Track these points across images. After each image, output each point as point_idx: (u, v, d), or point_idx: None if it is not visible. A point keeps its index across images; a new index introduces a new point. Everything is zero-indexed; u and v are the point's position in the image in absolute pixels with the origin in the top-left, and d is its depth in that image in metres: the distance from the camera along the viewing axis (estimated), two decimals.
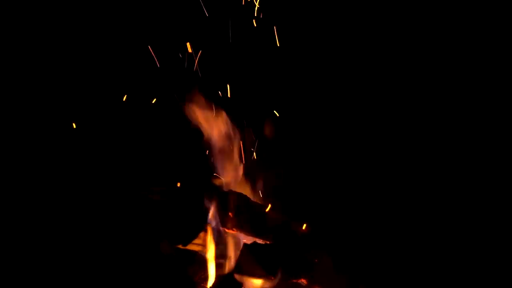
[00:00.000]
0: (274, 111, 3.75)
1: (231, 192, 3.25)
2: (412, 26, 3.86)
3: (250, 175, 3.44)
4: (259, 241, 3.17)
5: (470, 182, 3.69)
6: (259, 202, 3.35)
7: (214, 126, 3.43)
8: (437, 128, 3.81)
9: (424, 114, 3.84)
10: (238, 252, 3.09)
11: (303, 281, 3.07)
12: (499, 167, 3.69)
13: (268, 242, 3.17)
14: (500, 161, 3.69)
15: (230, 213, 3.17)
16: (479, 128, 3.76)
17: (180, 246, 3.13)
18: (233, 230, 3.20)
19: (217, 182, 3.36)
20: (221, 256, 3.21)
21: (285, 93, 3.87)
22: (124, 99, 3.67)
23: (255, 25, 3.78)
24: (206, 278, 3.14)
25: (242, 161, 3.46)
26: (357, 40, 3.90)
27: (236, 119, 3.48)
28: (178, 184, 3.25)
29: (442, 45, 3.84)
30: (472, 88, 3.80)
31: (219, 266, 3.19)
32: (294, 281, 3.07)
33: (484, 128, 3.75)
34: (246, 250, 3.06)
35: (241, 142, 3.48)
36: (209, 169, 3.39)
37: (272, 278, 3.04)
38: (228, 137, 3.43)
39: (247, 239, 3.18)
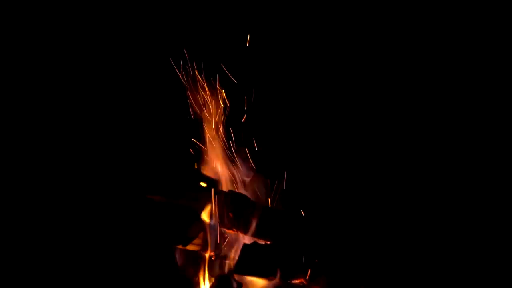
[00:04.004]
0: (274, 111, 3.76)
1: (231, 192, 3.25)
2: (412, 26, 3.86)
3: (250, 175, 3.44)
4: (259, 241, 3.16)
5: (470, 182, 3.68)
6: (260, 202, 3.35)
7: (215, 127, 3.43)
8: (437, 128, 3.81)
9: (424, 114, 3.84)
10: (238, 252, 3.09)
11: (303, 281, 3.07)
12: (499, 167, 3.68)
13: (268, 242, 3.17)
14: (500, 161, 3.69)
15: (230, 213, 3.17)
16: (479, 128, 3.76)
17: (180, 246, 3.13)
18: (233, 230, 3.20)
19: (217, 182, 3.36)
20: (221, 256, 3.21)
21: (285, 93, 3.88)
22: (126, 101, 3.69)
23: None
24: (206, 278, 3.14)
25: (242, 161, 3.46)
26: (356, 40, 3.90)
27: (236, 120, 3.49)
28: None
29: (442, 45, 3.84)
30: (472, 88, 3.80)
31: (219, 266, 3.19)
32: (294, 281, 3.07)
33: (484, 128, 3.75)
34: (246, 250, 3.06)
35: (241, 142, 3.48)
36: (209, 170, 3.39)
37: (272, 278, 3.04)
38: (228, 138, 3.43)
39: (247, 239, 3.18)
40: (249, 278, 3.08)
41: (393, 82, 3.89)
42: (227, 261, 3.19)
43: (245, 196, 3.28)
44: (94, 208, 3.36)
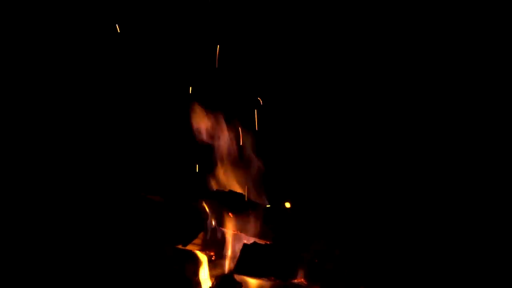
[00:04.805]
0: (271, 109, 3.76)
1: (231, 192, 3.25)
2: (412, 26, 3.87)
3: (250, 175, 3.44)
4: (259, 241, 3.17)
5: (470, 182, 3.69)
6: (259, 202, 3.35)
7: (212, 127, 3.43)
8: (437, 128, 3.81)
9: (424, 114, 3.84)
10: (238, 252, 3.09)
11: (303, 281, 3.07)
12: (499, 167, 3.69)
13: (268, 242, 3.17)
14: (500, 161, 3.69)
15: (230, 213, 3.17)
16: (479, 128, 3.76)
17: (180, 246, 3.13)
18: (233, 230, 3.20)
19: (217, 182, 3.36)
20: (221, 256, 3.21)
21: (285, 93, 3.88)
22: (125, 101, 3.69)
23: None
24: (206, 278, 3.14)
25: (242, 162, 3.46)
26: (356, 40, 3.90)
27: (234, 120, 3.49)
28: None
29: (442, 45, 3.84)
30: (472, 88, 3.80)
31: (219, 266, 3.19)
32: (294, 281, 3.07)
33: (484, 128, 3.75)
34: (246, 250, 3.06)
35: (240, 143, 3.48)
36: (209, 170, 3.39)
37: (272, 278, 3.04)
38: (227, 138, 3.43)
39: (247, 239, 3.18)
40: (249, 278, 3.08)
41: (393, 82, 3.89)
42: (227, 261, 3.19)
43: (244, 195, 3.29)
44: (94, 208, 3.36)
